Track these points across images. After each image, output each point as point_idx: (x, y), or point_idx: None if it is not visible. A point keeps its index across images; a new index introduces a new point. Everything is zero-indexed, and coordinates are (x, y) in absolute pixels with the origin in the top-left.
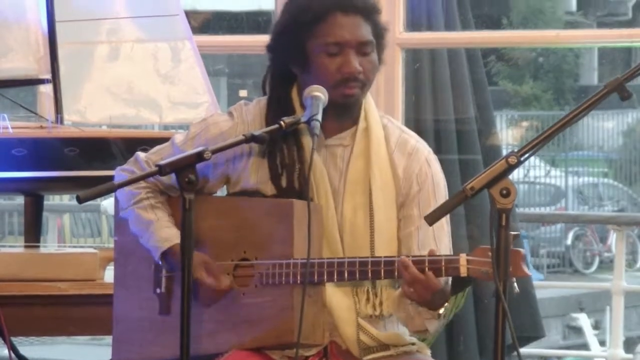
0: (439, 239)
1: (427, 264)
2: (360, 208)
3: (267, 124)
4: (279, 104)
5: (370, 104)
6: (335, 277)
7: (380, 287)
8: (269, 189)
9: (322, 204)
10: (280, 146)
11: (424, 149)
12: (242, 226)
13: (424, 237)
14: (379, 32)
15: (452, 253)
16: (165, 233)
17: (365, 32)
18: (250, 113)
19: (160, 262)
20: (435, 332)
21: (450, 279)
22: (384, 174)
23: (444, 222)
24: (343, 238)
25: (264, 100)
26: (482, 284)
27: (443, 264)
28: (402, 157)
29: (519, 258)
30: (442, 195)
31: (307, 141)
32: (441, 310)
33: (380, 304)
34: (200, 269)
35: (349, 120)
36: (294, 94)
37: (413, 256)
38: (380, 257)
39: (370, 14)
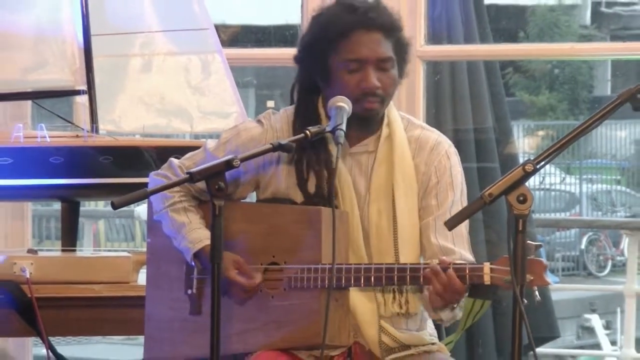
0: (455, 232)
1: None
2: (384, 212)
3: (295, 132)
4: (306, 113)
5: (392, 111)
6: (362, 282)
7: (405, 287)
8: (298, 194)
9: (348, 211)
10: (308, 153)
11: (445, 143)
12: (271, 232)
13: (441, 226)
14: (401, 48)
15: (469, 246)
16: (197, 234)
17: (385, 48)
18: (279, 121)
19: (192, 264)
20: (449, 320)
21: None
22: (407, 179)
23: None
24: (369, 241)
25: (290, 109)
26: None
27: (467, 271)
28: (424, 154)
29: (542, 268)
30: (459, 187)
31: (333, 149)
32: (455, 304)
33: (407, 302)
34: (231, 268)
35: (372, 129)
36: (320, 104)
37: (438, 263)
38: (406, 263)
39: (392, 31)
